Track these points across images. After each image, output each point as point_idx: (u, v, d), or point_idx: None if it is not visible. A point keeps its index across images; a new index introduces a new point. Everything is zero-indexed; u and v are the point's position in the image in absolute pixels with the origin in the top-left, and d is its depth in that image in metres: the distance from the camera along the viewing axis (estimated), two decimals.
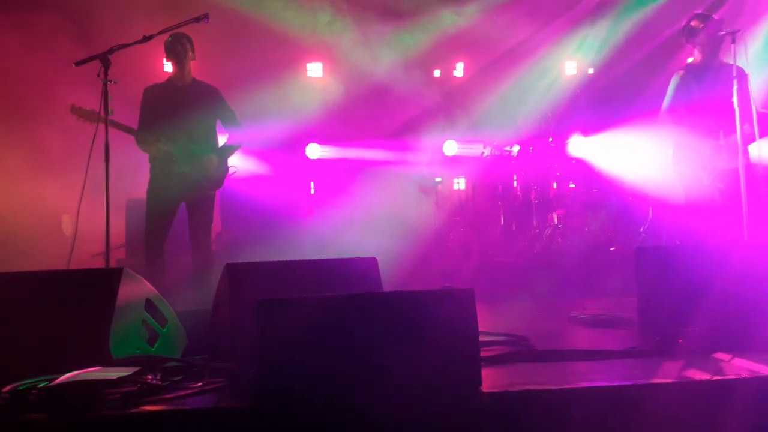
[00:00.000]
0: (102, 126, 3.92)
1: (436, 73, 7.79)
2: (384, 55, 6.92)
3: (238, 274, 2.88)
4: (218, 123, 4.84)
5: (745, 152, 4.24)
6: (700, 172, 4.52)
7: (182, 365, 2.68)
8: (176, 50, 4.57)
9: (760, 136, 4.17)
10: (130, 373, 2.46)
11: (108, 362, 2.63)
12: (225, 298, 2.87)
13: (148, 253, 4.50)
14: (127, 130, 4.39)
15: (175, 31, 4.33)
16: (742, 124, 4.25)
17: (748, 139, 4.24)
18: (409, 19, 7.04)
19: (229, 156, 4.79)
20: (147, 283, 3.01)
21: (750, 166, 4.26)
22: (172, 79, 4.71)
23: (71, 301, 2.81)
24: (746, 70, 4.35)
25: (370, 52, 6.89)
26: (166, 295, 3.12)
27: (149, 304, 2.96)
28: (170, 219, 4.59)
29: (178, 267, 4.68)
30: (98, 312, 2.75)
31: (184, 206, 4.68)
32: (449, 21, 7.19)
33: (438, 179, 7.18)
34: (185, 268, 4.66)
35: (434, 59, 7.40)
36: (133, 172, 4.76)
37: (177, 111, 4.56)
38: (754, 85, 4.36)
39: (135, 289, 2.90)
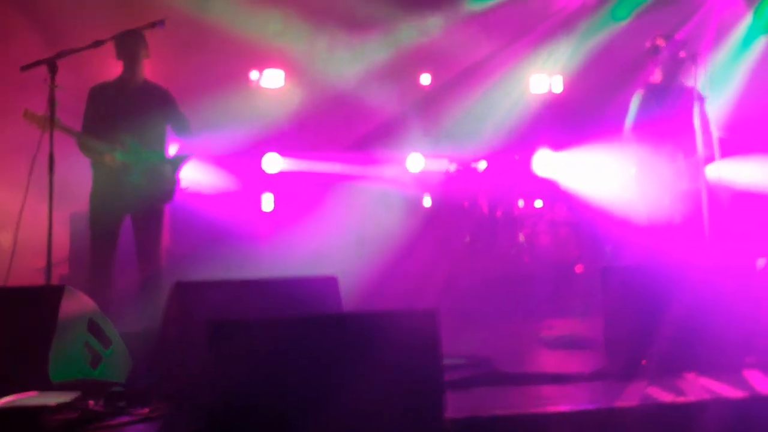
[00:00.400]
0: (46, 135, 3.70)
1: (403, 84, 7.74)
2: (348, 65, 6.85)
3: (188, 294, 2.77)
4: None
5: (705, 173, 4.29)
6: (661, 193, 4.58)
7: (126, 390, 2.60)
8: (128, 47, 4.30)
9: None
10: (70, 399, 2.39)
11: (46, 386, 2.54)
12: (174, 319, 2.76)
13: (94, 269, 4.25)
14: (79, 135, 4.16)
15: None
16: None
17: (707, 160, 4.31)
18: (374, 30, 7.00)
19: (182, 167, 4.56)
20: (90, 301, 2.90)
21: (709, 188, 4.32)
22: (121, 78, 4.41)
23: (8, 320, 2.75)
24: (704, 93, 4.41)
25: (334, 62, 6.81)
26: (110, 314, 2.97)
27: (92, 325, 2.87)
28: (118, 231, 4.34)
29: (122, 284, 4.45)
30: (37, 332, 2.69)
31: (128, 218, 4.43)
32: (415, 34, 7.18)
33: (426, 198, 7.06)
34: (130, 285, 4.43)
35: (399, 71, 7.36)
36: (79, 182, 4.52)
37: (128, 114, 4.30)
38: (713, 107, 4.42)
39: (77, 307, 2.81)
